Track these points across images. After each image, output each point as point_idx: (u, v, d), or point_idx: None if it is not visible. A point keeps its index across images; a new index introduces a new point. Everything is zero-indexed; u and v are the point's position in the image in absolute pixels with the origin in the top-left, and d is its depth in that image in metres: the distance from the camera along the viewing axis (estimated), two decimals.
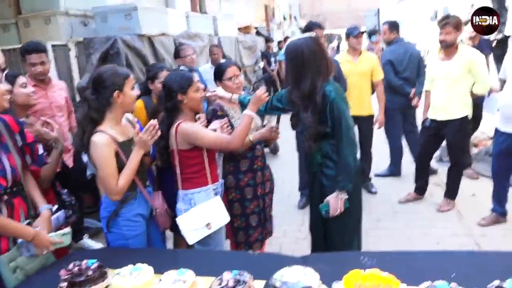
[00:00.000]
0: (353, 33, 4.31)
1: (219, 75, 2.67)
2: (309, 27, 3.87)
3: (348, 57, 4.40)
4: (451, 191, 4.06)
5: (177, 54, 4.33)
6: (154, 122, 2.07)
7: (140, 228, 2.19)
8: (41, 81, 3.23)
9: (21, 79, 2.57)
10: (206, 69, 5.04)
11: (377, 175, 5.03)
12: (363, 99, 4.35)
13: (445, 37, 3.64)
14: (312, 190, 2.55)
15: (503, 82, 3.62)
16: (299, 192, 4.58)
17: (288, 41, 2.42)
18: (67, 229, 2.10)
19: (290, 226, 3.93)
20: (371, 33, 7.99)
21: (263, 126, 2.82)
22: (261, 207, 2.79)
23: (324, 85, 2.25)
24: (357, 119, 3.83)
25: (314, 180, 2.50)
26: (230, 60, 3.18)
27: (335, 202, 2.32)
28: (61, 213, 2.28)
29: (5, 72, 2.22)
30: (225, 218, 2.41)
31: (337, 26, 34.56)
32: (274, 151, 6.29)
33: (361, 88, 4.31)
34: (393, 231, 3.74)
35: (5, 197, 1.90)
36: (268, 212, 2.89)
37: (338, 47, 12.15)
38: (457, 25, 3.63)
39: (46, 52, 3.24)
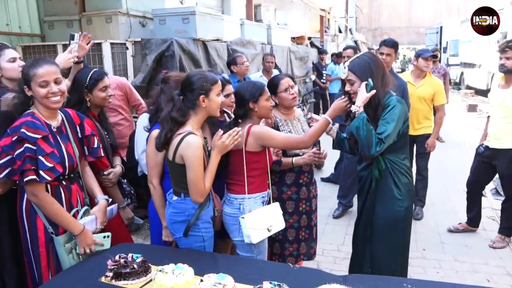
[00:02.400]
0: (423, 55, 4.22)
1: (273, 89, 2.65)
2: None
3: (411, 78, 4.30)
4: (506, 228, 3.77)
5: (232, 61, 4.47)
6: (238, 128, 2.15)
7: (213, 230, 2.27)
8: None
9: (10, 53, 2.53)
10: (256, 77, 5.07)
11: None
12: (419, 121, 4.25)
13: (505, 61, 3.47)
14: (363, 203, 2.49)
15: None
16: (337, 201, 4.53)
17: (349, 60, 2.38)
18: (109, 233, 2.17)
19: (329, 245, 3.79)
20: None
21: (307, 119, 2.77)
22: (302, 223, 2.74)
23: (386, 96, 2.28)
24: (411, 137, 3.76)
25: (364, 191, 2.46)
26: (282, 73, 3.17)
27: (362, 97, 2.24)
28: (114, 207, 2.40)
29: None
30: (282, 224, 2.43)
31: None
32: (319, 166, 6.16)
33: (417, 111, 4.19)
34: (440, 263, 3.50)
35: (64, 182, 2.07)
36: (315, 232, 2.84)
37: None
38: None
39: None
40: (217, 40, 4.96)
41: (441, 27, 22.73)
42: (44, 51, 4.11)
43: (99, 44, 3.94)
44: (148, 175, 2.39)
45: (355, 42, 16.85)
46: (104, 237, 2.15)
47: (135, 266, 1.81)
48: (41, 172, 1.91)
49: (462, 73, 17.97)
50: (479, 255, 3.61)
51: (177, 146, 2.04)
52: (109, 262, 1.83)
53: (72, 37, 2.62)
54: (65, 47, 4.01)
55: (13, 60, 2.52)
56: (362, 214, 2.52)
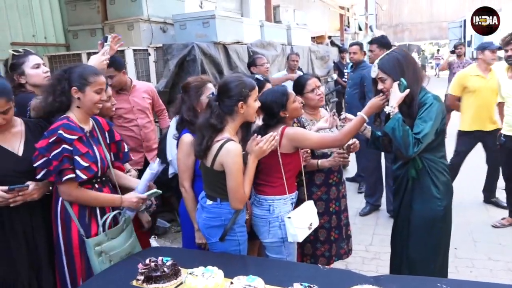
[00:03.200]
0: (490, 47, 4.18)
1: (299, 88, 2.65)
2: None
3: (479, 71, 4.26)
4: None
5: (252, 63, 4.53)
6: (274, 133, 2.15)
7: (246, 233, 2.26)
8: (123, 89, 3.43)
9: (34, 59, 2.56)
10: (281, 74, 5.28)
11: None
12: (492, 114, 4.26)
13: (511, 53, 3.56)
14: (400, 203, 2.45)
15: None
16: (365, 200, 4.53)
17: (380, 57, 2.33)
18: (154, 190, 2.30)
19: (357, 245, 3.74)
20: (456, 46, 7.61)
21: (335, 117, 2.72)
22: (333, 224, 2.72)
23: (421, 93, 2.23)
24: (483, 134, 4.05)
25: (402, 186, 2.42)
26: (308, 73, 3.17)
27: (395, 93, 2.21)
28: (155, 165, 2.39)
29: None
30: (317, 221, 2.44)
31: (417, 38, 33.19)
32: (344, 165, 6.09)
33: (490, 104, 4.20)
34: (473, 262, 3.40)
35: (96, 185, 2.16)
36: (345, 231, 2.81)
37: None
38: None
39: None
40: (238, 42, 4.97)
41: (464, 21, 22.13)
42: (69, 60, 4.20)
43: (122, 51, 4.00)
44: (180, 178, 2.42)
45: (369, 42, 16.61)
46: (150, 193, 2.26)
47: (166, 269, 1.83)
48: (77, 171, 1.99)
49: None
50: None
51: (217, 153, 2.03)
52: (140, 265, 1.85)
53: (105, 39, 2.69)
54: (89, 55, 4.11)
55: (37, 66, 2.56)
56: (399, 214, 2.47)
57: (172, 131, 2.65)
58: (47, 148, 1.97)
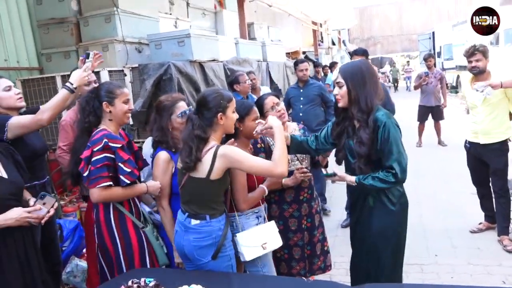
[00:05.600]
0: None
1: (260, 110, 2.64)
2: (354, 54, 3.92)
3: None
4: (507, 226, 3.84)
5: (235, 81, 4.57)
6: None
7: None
8: None
9: (5, 82, 2.60)
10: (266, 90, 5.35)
11: None
12: None
13: (476, 63, 3.70)
14: (357, 219, 2.42)
15: None
16: (346, 212, 4.53)
17: (338, 65, 2.38)
18: None
19: (340, 257, 3.75)
20: (426, 59, 7.82)
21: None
22: (306, 240, 2.71)
23: (376, 108, 2.20)
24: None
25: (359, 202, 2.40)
26: (266, 93, 3.22)
27: (344, 179, 2.28)
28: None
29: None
30: (278, 242, 2.43)
31: (389, 50, 34.10)
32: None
33: None
34: (453, 267, 3.46)
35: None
36: (321, 247, 2.80)
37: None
38: (485, 53, 3.71)
39: None
40: (214, 60, 5.00)
41: (433, 33, 22.94)
42: (43, 83, 4.14)
43: (98, 73, 3.98)
44: (157, 197, 2.39)
45: (349, 53, 17.00)
46: None
47: None
48: (121, 177, 2.18)
49: (458, 76, 18.05)
50: (492, 257, 3.57)
51: (214, 160, 2.02)
52: (122, 287, 1.81)
53: (87, 56, 2.69)
54: (63, 78, 4.06)
55: (9, 88, 2.59)
56: (356, 228, 2.45)
57: (147, 151, 2.65)
58: (91, 157, 2.14)
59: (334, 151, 2.83)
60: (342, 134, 2.35)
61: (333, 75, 2.37)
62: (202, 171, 2.05)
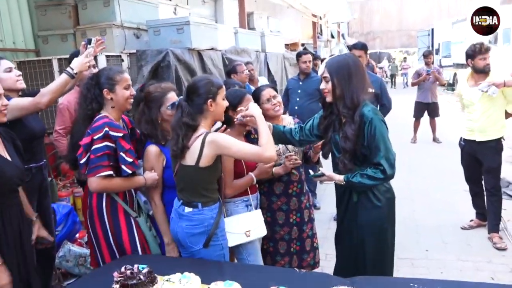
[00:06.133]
0: None
1: (256, 100, 2.60)
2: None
3: None
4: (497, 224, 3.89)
5: (233, 70, 4.57)
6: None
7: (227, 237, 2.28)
8: None
9: (6, 63, 2.59)
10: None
11: None
12: None
13: (489, 61, 3.73)
14: (344, 214, 2.42)
15: None
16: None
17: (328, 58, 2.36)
18: None
19: (332, 250, 3.77)
20: (426, 56, 7.82)
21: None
22: (294, 235, 2.70)
23: (363, 104, 2.18)
24: None
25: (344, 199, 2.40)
26: (264, 84, 3.20)
27: (333, 178, 2.27)
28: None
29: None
30: (263, 231, 2.45)
31: (388, 46, 34.06)
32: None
33: None
34: (444, 263, 3.50)
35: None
36: (310, 243, 2.78)
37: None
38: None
39: None
40: (212, 49, 4.98)
41: (432, 29, 22.91)
42: (39, 66, 4.10)
43: (95, 58, 3.93)
44: (148, 191, 2.36)
45: (348, 47, 16.95)
46: None
47: (142, 277, 1.78)
48: (123, 166, 2.14)
49: (455, 74, 18.10)
50: (482, 254, 3.62)
51: (202, 147, 2.02)
52: (115, 274, 1.81)
53: (89, 41, 2.66)
54: (60, 61, 4.02)
55: (10, 70, 2.58)
56: (343, 223, 2.44)
57: None
58: (91, 144, 2.09)
59: None
60: (329, 128, 2.33)
61: (320, 69, 2.29)
62: (191, 158, 2.05)
